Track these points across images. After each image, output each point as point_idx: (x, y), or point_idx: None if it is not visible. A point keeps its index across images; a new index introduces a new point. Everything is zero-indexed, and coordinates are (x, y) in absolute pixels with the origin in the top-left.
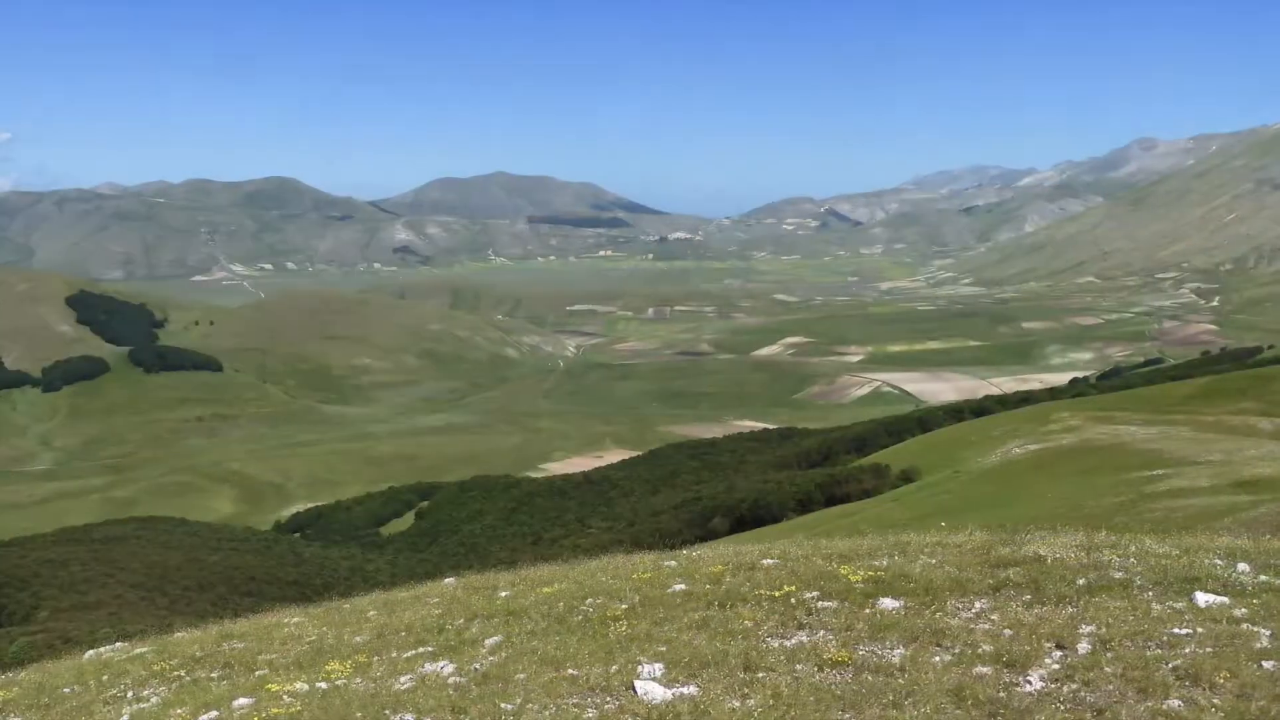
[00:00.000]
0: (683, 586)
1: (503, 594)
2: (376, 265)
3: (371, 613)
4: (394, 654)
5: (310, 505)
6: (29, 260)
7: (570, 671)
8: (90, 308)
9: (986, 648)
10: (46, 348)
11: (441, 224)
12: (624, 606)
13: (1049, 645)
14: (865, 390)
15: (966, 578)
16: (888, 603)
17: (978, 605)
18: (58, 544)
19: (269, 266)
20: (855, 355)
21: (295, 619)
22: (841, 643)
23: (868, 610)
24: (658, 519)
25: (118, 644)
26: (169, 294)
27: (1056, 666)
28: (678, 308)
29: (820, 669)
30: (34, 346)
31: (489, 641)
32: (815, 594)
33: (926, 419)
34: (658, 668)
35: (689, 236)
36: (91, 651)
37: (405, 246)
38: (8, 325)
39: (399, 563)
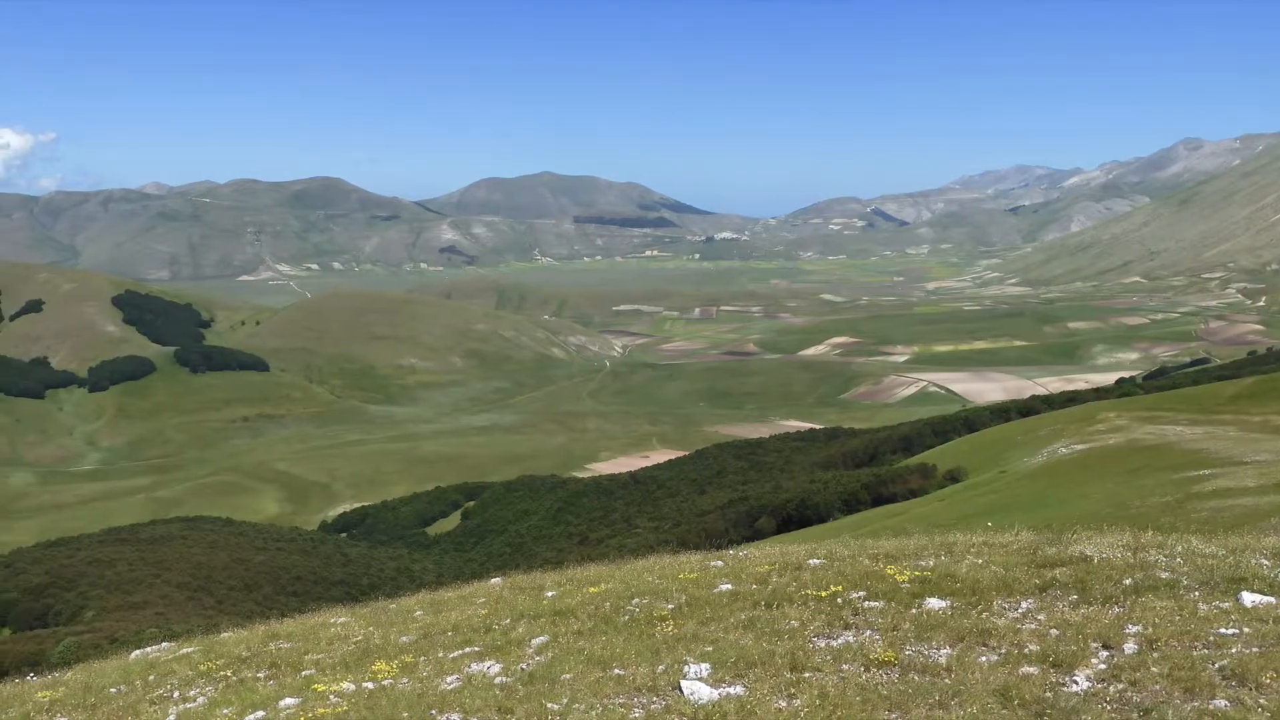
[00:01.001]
0: (729, 586)
1: (549, 594)
2: (422, 265)
3: (418, 613)
4: (440, 654)
5: (356, 505)
6: (75, 260)
7: (617, 671)
8: (136, 308)
9: (1033, 648)
10: (93, 348)
11: (487, 224)
12: (670, 607)
13: (1095, 645)
14: (912, 390)
15: (1013, 578)
16: (934, 603)
17: (1024, 605)
18: (104, 544)
19: (315, 266)
20: (901, 355)
21: (342, 619)
22: (888, 643)
23: (914, 610)
24: (704, 519)
25: (164, 644)
26: (215, 294)
27: (1103, 666)
28: (724, 308)
29: (866, 669)
30: (80, 347)
31: (535, 641)
32: (861, 594)
33: (973, 419)
34: (704, 668)
35: (735, 236)
36: (138, 651)
37: (451, 246)
38: (54, 325)
39: (445, 562)
